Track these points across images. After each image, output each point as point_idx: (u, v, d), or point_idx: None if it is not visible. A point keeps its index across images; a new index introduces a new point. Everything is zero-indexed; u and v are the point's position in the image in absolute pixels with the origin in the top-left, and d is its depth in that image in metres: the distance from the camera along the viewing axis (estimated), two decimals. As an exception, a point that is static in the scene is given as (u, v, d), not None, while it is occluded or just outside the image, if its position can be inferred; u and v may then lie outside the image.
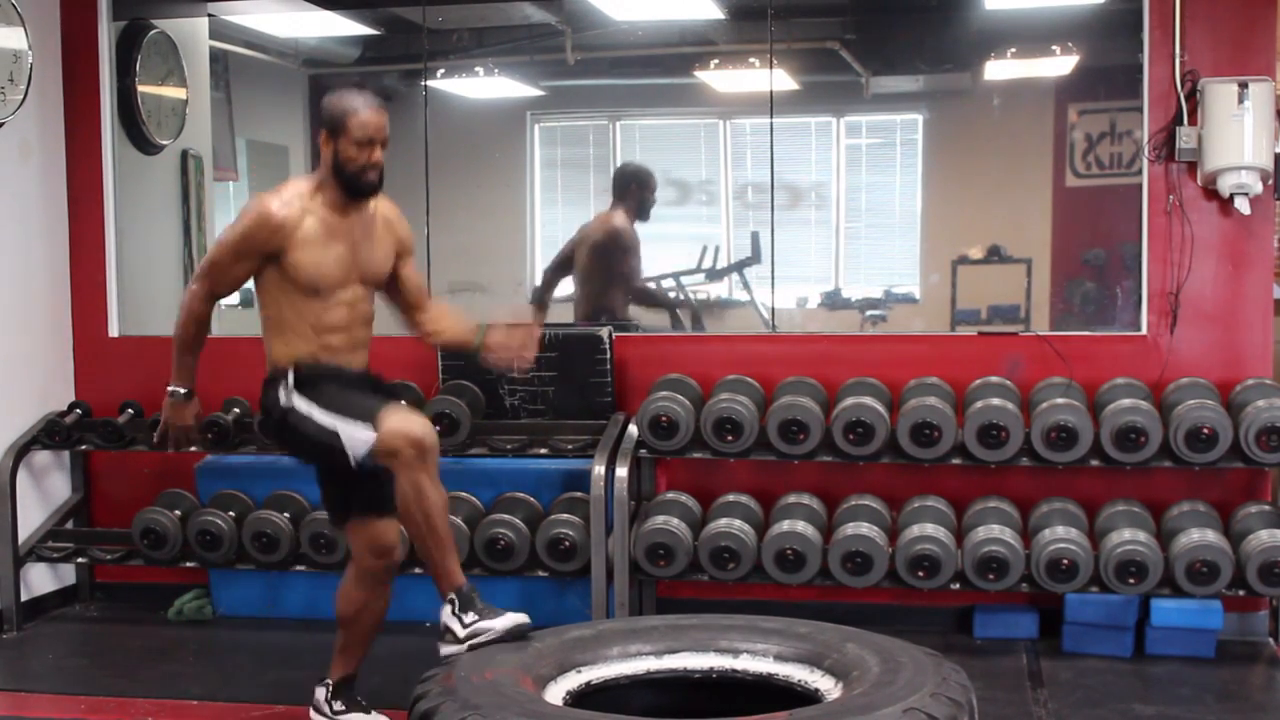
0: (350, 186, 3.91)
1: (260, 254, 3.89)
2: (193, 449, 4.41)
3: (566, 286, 6.86)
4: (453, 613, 3.82)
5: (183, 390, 4.12)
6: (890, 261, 6.90)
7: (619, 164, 6.44)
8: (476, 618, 3.77)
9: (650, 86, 7.05)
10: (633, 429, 5.27)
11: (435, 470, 3.83)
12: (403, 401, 4.24)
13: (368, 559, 4.11)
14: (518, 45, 6.87)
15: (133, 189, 6.17)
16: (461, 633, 3.77)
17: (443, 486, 3.85)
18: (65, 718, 4.58)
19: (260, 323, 4.04)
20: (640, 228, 6.22)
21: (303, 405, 3.88)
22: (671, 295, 6.52)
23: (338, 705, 4.19)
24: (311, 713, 4.21)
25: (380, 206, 4.08)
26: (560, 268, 6.31)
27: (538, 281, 7.01)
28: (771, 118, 5.79)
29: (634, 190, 6.24)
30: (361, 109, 3.89)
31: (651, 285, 6.45)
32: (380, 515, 4.05)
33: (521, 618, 3.77)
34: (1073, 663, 4.98)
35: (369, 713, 4.20)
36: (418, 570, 5.34)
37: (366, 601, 4.15)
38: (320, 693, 4.21)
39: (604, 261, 6.22)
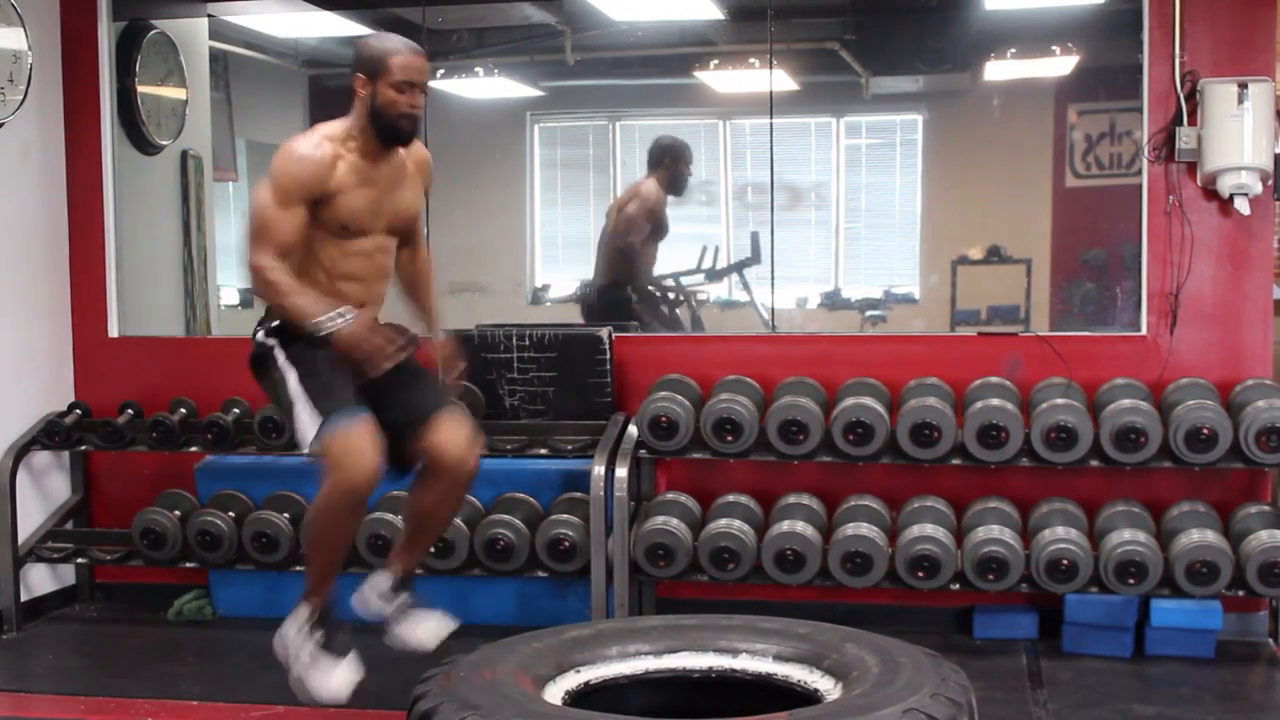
0: (387, 132, 3.78)
1: (304, 195, 3.72)
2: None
3: (566, 286, 6.89)
4: (299, 628, 3.83)
5: (340, 315, 3.68)
6: (890, 262, 6.90)
7: (656, 137, 6.44)
8: (312, 654, 3.80)
9: (650, 87, 7.05)
10: (632, 429, 5.27)
11: (363, 507, 3.74)
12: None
13: (454, 468, 3.89)
14: (518, 45, 6.87)
15: (133, 189, 6.17)
16: (300, 658, 3.81)
17: (362, 516, 3.78)
18: (65, 718, 4.58)
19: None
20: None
21: (282, 360, 3.75)
22: (671, 296, 6.52)
23: (403, 595, 4.06)
24: (368, 593, 4.08)
25: (410, 150, 3.96)
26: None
27: (538, 282, 7.02)
28: (771, 118, 5.79)
29: (667, 163, 6.28)
30: (403, 49, 3.77)
31: (658, 284, 6.46)
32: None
33: (346, 684, 3.80)
34: (1072, 663, 4.98)
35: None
36: (417, 571, 5.34)
37: (445, 497, 3.97)
38: (382, 581, 4.07)
39: (628, 224, 6.25)
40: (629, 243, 6.29)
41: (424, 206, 4.15)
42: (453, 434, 3.92)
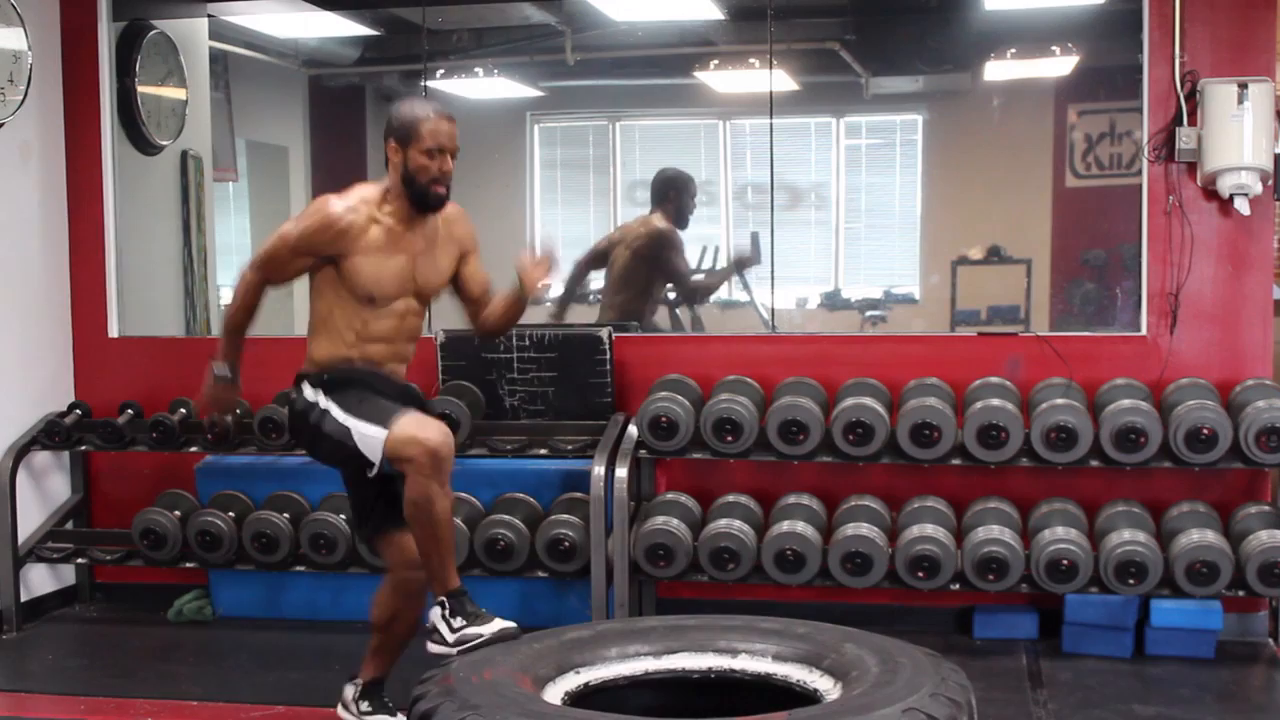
0: (420, 198, 3.86)
1: (319, 254, 3.84)
2: (209, 435, 4.35)
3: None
4: (443, 616, 3.80)
5: (224, 369, 4.00)
6: (890, 262, 6.90)
7: (659, 169, 6.42)
8: (465, 623, 3.76)
9: (650, 87, 7.05)
10: (632, 429, 5.27)
11: (447, 478, 3.76)
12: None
13: (402, 571, 4.04)
14: (517, 46, 6.87)
15: (132, 189, 6.17)
16: (450, 637, 3.75)
17: (451, 492, 3.81)
18: (65, 718, 4.58)
19: (308, 316, 3.98)
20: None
21: (324, 402, 3.84)
22: (672, 296, 6.52)
23: (365, 706, 4.15)
24: (339, 709, 4.18)
25: (446, 212, 4.01)
26: (592, 261, 6.31)
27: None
28: (771, 118, 5.79)
29: (672, 196, 6.25)
30: (434, 115, 3.84)
31: (699, 276, 6.45)
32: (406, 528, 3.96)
33: (509, 625, 3.75)
34: (1072, 663, 4.98)
35: (394, 715, 4.13)
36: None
37: (399, 610, 4.08)
38: (349, 691, 4.18)
39: (646, 264, 6.21)
40: (694, 288, 6.30)
41: (477, 259, 4.15)
42: (411, 548, 3.97)
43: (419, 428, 3.72)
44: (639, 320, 6.11)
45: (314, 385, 3.89)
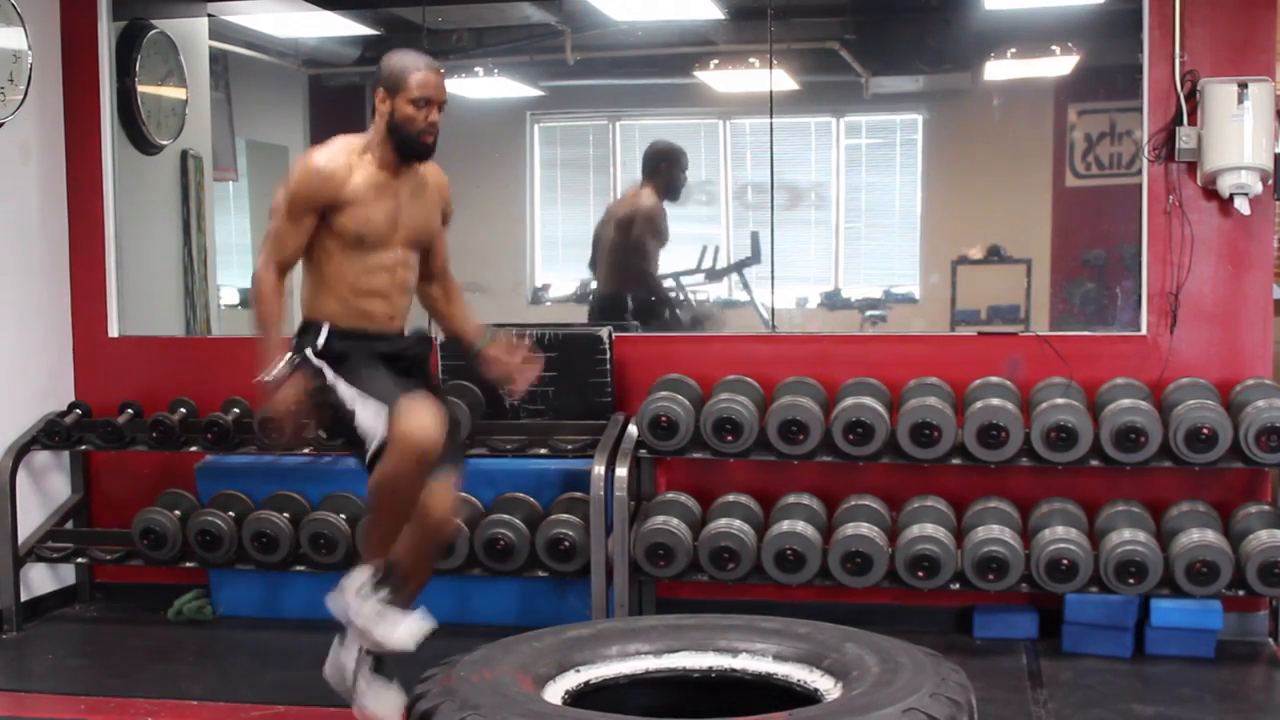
0: (405, 147, 3.86)
1: (315, 208, 3.82)
2: (303, 449, 4.20)
3: (566, 286, 6.89)
4: (364, 582, 3.81)
5: (282, 372, 3.82)
6: (890, 261, 6.90)
7: (651, 142, 6.43)
8: (379, 605, 3.80)
9: (650, 86, 7.05)
10: (632, 429, 5.27)
11: (428, 475, 3.75)
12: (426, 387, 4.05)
13: (432, 515, 3.91)
14: (517, 45, 6.87)
15: (133, 189, 6.17)
16: (363, 609, 3.80)
17: (425, 477, 3.76)
18: (65, 718, 4.58)
19: (302, 274, 3.96)
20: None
21: (330, 376, 3.82)
22: (672, 295, 6.52)
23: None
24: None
25: (429, 171, 4.03)
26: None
27: (538, 282, 7.02)
28: (771, 118, 5.79)
29: (663, 169, 6.26)
30: (422, 67, 3.85)
31: (661, 283, 6.46)
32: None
33: (423, 628, 3.79)
34: (1072, 663, 4.98)
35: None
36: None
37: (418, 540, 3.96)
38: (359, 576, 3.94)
39: (626, 237, 6.23)
40: (645, 271, 6.29)
41: (445, 232, 4.19)
42: (442, 494, 3.92)
43: (418, 426, 3.67)
44: (630, 291, 6.09)
45: (314, 349, 3.85)
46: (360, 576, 3.86)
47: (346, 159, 3.86)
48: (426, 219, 4.03)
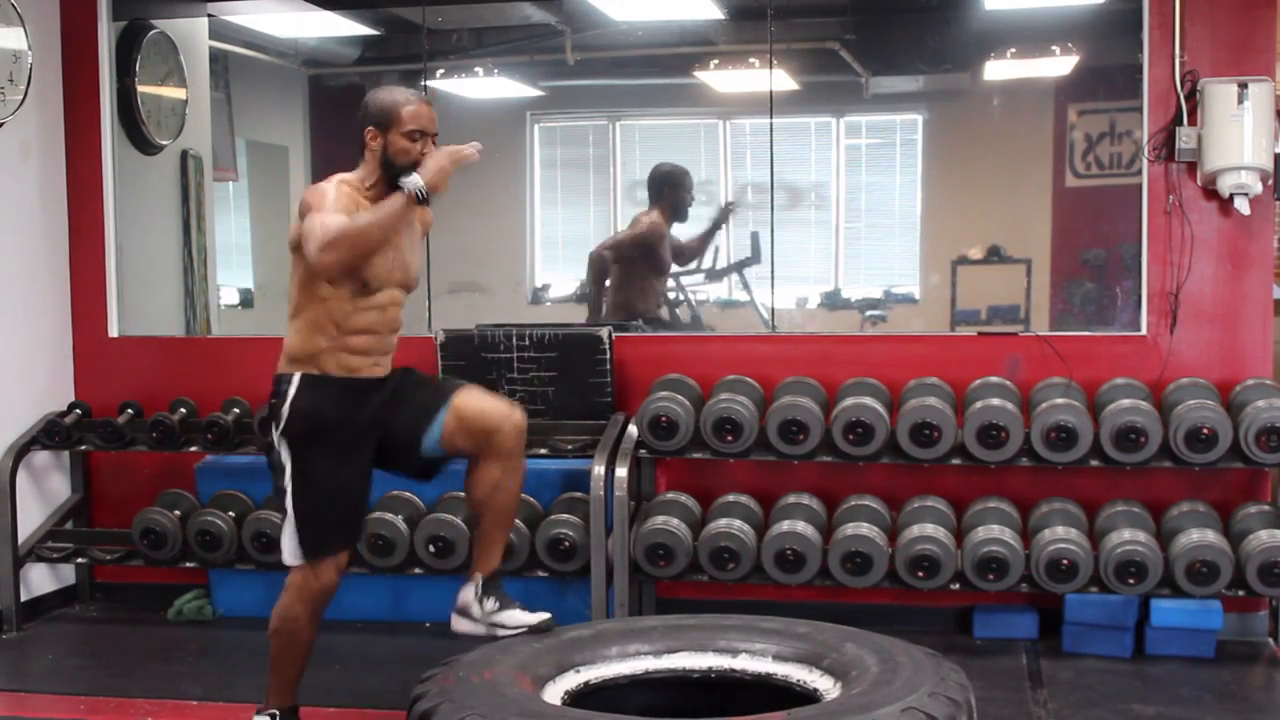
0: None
1: (345, 210, 3.67)
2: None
3: (566, 286, 6.89)
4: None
5: (410, 183, 3.67)
6: (890, 262, 6.89)
7: (654, 165, 6.44)
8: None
9: (650, 86, 7.04)
10: (632, 429, 5.27)
11: (320, 614, 3.87)
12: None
13: (483, 439, 3.89)
14: (517, 45, 6.86)
15: (132, 189, 6.17)
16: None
17: (317, 625, 3.88)
18: (65, 718, 4.58)
19: (289, 304, 3.87)
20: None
21: (286, 459, 3.80)
22: (672, 295, 6.53)
23: (490, 604, 3.97)
24: (456, 621, 4.01)
25: None
26: (616, 249, 6.38)
27: (538, 281, 7.02)
28: (771, 118, 5.79)
29: (667, 193, 6.30)
30: (413, 100, 3.79)
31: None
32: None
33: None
34: (1072, 663, 4.98)
35: (522, 609, 3.98)
36: (417, 570, 5.35)
37: (498, 480, 3.94)
38: (468, 593, 3.99)
39: (633, 260, 6.28)
40: (604, 257, 6.33)
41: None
42: (480, 400, 3.93)
43: (314, 574, 3.80)
44: (640, 316, 6.12)
45: (281, 433, 3.79)
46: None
47: (350, 192, 3.76)
48: (417, 253, 3.99)
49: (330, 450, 3.80)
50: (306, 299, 3.80)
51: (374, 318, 3.84)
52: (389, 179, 3.78)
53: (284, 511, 3.83)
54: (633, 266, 6.32)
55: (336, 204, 3.69)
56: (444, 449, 3.91)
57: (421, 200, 3.68)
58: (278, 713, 3.87)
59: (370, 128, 3.80)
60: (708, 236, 6.44)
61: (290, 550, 3.83)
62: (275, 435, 3.81)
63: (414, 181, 3.66)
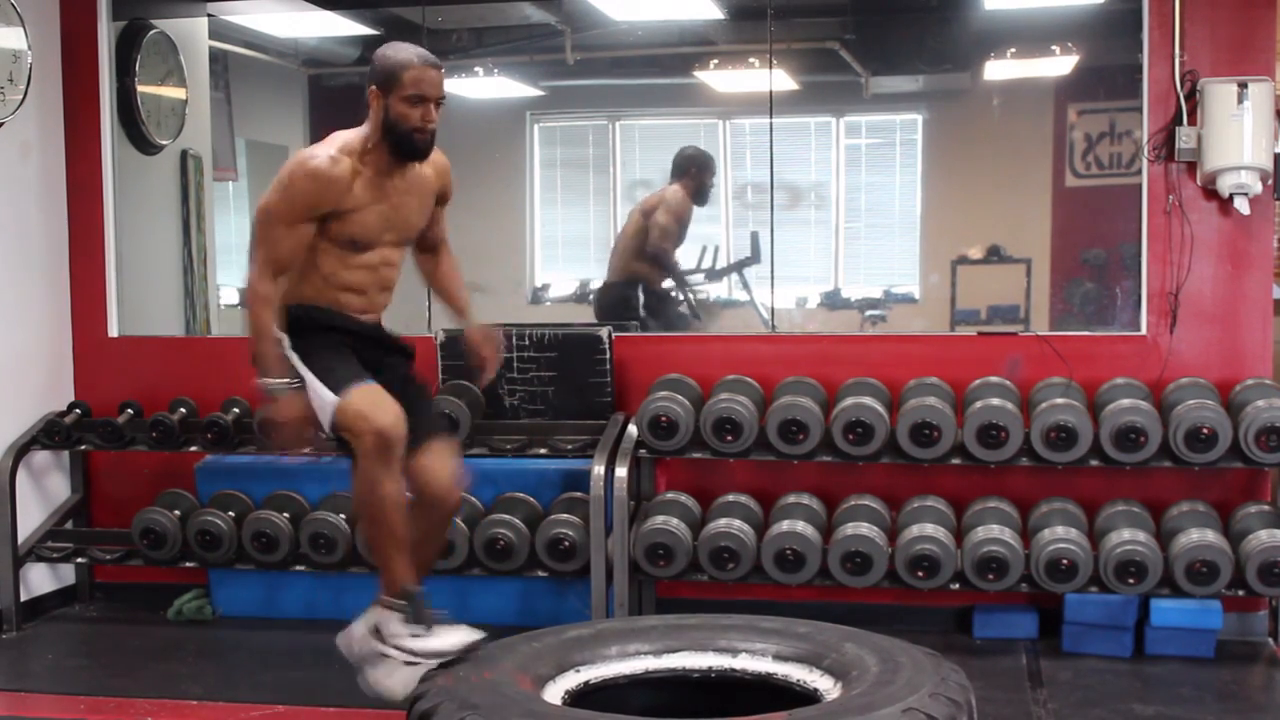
0: (400, 147, 3.67)
1: (316, 215, 3.64)
2: (304, 450, 4.03)
3: (566, 286, 6.89)
4: (401, 620, 3.64)
5: (277, 382, 3.67)
6: (890, 261, 6.89)
7: (680, 148, 6.44)
8: (422, 631, 3.61)
9: (650, 86, 7.04)
10: (632, 429, 5.27)
11: (397, 465, 3.62)
12: (400, 381, 3.91)
13: (431, 491, 3.81)
14: (517, 45, 6.86)
15: (132, 189, 6.17)
16: (408, 643, 3.60)
17: (402, 481, 3.64)
18: (65, 718, 4.58)
19: None
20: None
21: (290, 353, 3.70)
22: (690, 296, 6.53)
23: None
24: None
25: (430, 157, 3.84)
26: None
27: (538, 281, 7.01)
28: (771, 118, 5.79)
29: (693, 173, 6.31)
30: (417, 62, 3.64)
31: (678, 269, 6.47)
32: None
33: (474, 635, 3.59)
34: (1072, 663, 4.98)
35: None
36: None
37: (429, 533, 3.83)
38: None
39: (663, 234, 6.28)
40: (663, 249, 6.30)
41: (445, 209, 4.08)
42: (441, 464, 3.84)
43: (371, 406, 3.56)
44: (645, 285, 6.11)
45: (280, 326, 3.71)
46: (383, 610, 3.69)
47: (350, 163, 3.67)
48: (418, 215, 3.87)
49: (334, 339, 3.74)
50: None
51: (363, 276, 3.78)
52: (390, 143, 3.68)
53: (307, 383, 3.66)
54: (640, 231, 6.30)
55: (313, 203, 3.62)
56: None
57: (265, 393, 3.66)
58: (406, 601, 3.62)
59: (374, 86, 3.68)
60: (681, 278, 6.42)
61: (324, 406, 3.60)
62: (288, 351, 3.71)
63: (271, 385, 3.66)
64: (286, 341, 3.71)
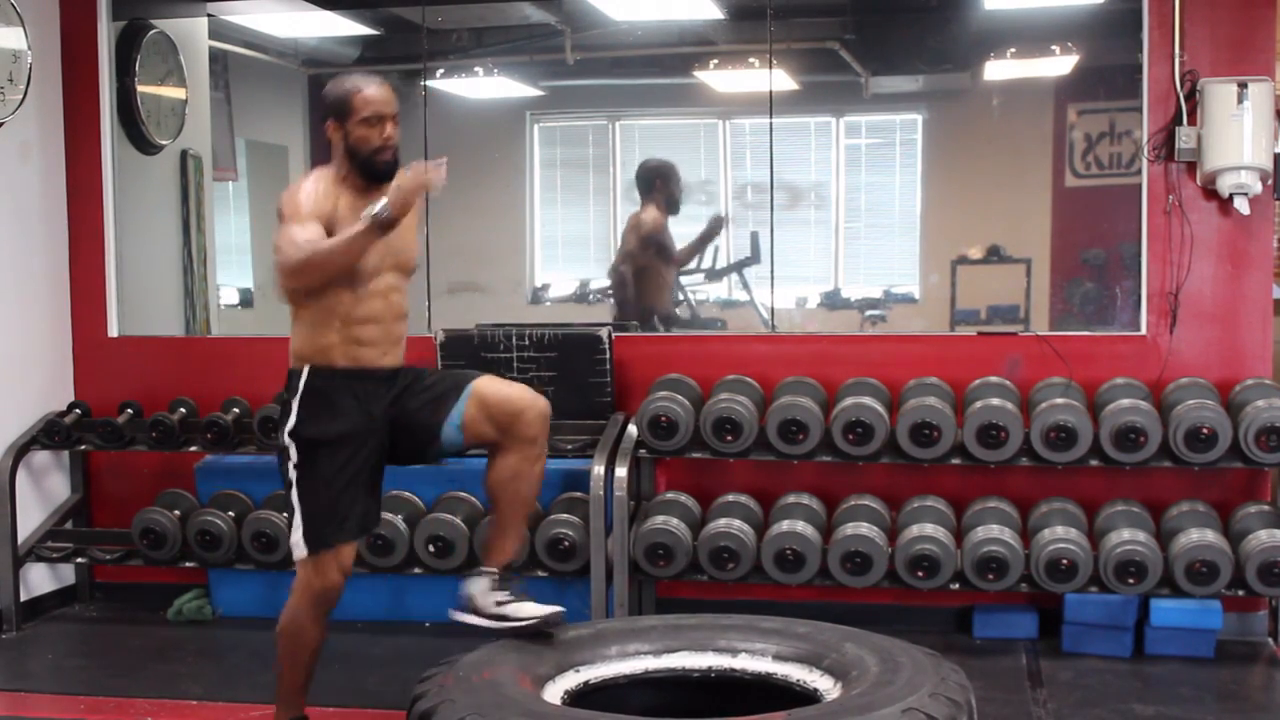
0: (368, 170, 3.75)
1: (318, 216, 3.69)
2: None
3: (566, 285, 6.89)
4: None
5: (376, 208, 3.58)
6: (890, 261, 6.90)
7: (640, 162, 6.42)
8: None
9: (650, 86, 7.05)
10: (632, 429, 5.27)
11: (325, 616, 3.89)
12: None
13: (503, 421, 3.85)
14: (517, 45, 6.86)
15: (132, 189, 6.17)
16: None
17: (324, 629, 3.90)
18: (65, 718, 4.58)
19: (291, 319, 3.87)
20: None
21: (294, 455, 3.79)
22: (692, 297, 6.54)
23: (501, 596, 3.91)
24: (459, 615, 3.97)
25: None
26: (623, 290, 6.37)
27: (537, 281, 7.02)
28: (771, 118, 5.79)
29: (659, 185, 6.27)
30: (365, 86, 3.76)
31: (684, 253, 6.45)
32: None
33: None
34: (1072, 663, 4.98)
35: (533, 600, 3.92)
36: (417, 570, 5.36)
37: (518, 468, 3.90)
38: (479, 585, 3.93)
39: (641, 261, 6.26)
40: (620, 272, 6.30)
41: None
42: (503, 385, 3.92)
43: (329, 566, 3.79)
44: (663, 313, 6.11)
45: (290, 431, 3.79)
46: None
47: (332, 199, 3.75)
48: (411, 234, 3.94)
49: (339, 444, 3.79)
50: (309, 297, 3.79)
51: (378, 306, 3.83)
52: (359, 168, 3.77)
53: (290, 505, 3.82)
54: (649, 266, 6.29)
55: (313, 209, 3.70)
56: (464, 436, 3.87)
57: (384, 227, 3.59)
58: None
59: (330, 121, 3.79)
60: (696, 249, 6.39)
61: (296, 544, 3.81)
62: (285, 431, 3.81)
63: (376, 209, 3.58)
64: (293, 461, 3.81)
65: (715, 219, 6.41)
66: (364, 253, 3.66)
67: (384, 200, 3.58)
